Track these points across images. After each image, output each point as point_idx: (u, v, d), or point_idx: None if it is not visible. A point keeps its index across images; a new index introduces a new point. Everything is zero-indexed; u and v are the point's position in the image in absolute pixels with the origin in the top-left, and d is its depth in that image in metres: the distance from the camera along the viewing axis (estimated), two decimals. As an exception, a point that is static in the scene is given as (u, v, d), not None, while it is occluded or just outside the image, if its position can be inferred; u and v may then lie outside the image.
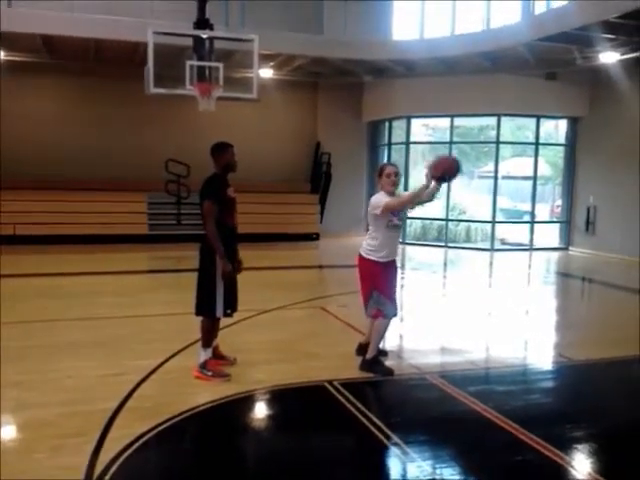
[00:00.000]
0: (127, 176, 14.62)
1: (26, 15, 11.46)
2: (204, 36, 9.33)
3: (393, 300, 5.43)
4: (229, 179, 5.21)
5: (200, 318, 5.17)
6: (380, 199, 5.28)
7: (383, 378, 5.32)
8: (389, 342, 6.60)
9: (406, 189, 15.74)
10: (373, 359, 5.45)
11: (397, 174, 5.38)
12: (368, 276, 5.40)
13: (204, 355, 5.15)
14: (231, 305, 5.17)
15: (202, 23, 9.43)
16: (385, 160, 16.56)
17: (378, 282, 5.36)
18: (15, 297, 8.19)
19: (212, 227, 4.97)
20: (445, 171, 5.15)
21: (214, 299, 5.03)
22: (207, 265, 5.06)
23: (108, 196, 14.04)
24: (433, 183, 5.15)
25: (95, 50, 13.26)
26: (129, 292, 9.04)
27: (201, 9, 9.49)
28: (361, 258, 5.44)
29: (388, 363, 5.68)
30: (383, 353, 5.86)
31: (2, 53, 12.98)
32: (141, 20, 11.06)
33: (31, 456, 3.75)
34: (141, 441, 3.92)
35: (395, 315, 5.48)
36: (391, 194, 5.32)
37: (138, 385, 4.91)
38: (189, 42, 9.49)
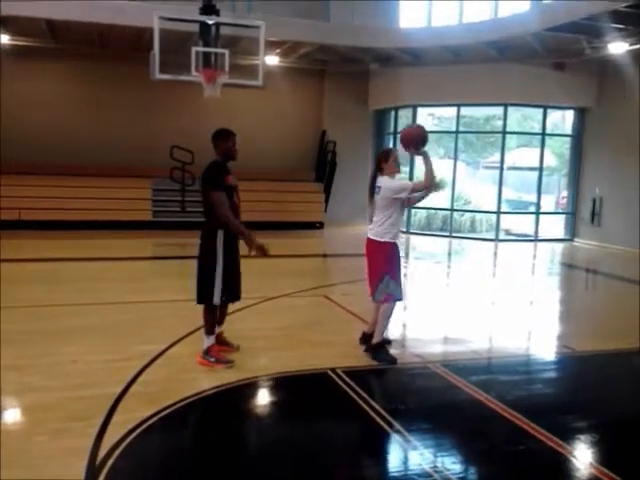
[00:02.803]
0: (132, 162, 14.61)
1: (31, -1, 11.41)
2: (210, 22, 9.28)
3: (400, 283, 5.47)
4: (231, 167, 5.20)
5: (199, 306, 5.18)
6: (403, 183, 5.48)
7: (386, 366, 5.33)
8: (392, 331, 6.61)
9: (411, 178, 15.72)
10: (378, 345, 5.45)
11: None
12: (382, 259, 5.40)
13: (207, 342, 5.17)
14: (230, 293, 5.16)
15: (208, 9, 9.37)
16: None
17: (391, 265, 5.40)
18: (19, 282, 8.21)
19: (226, 213, 4.94)
20: (417, 139, 5.31)
21: (212, 287, 5.02)
22: (206, 253, 5.06)
23: (112, 182, 14.03)
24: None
25: (100, 35, 13.21)
26: (133, 278, 9.06)
27: (207, -5, 9.44)
28: (374, 242, 5.44)
29: (391, 351, 5.69)
30: (387, 341, 5.87)
31: (7, 37, 12.93)
32: (147, 5, 10.99)
33: (33, 439, 3.77)
34: (145, 426, 3.94)
35: (401, 299, 5.51)
36: (394, 178, 5.47)
37: (142, 370, 4.93)
38: (195, 28, 9.44)
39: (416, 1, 15.32)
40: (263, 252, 5.01)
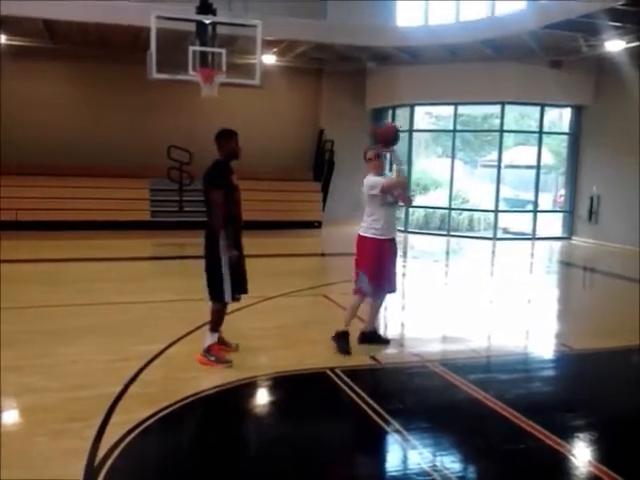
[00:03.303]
0: (129, 162, 14.59)
1: (28, -1, 11.40)
2: (207, 21, 9.28)
3: (379, 280, 5.53)
4: (234, 166, 5.21)
5: (209, 303, 5.19)
6: (376, 179, 5.51)
7: (385, 365, 5.33)
8: (391, 330, 6.62)
9: (409, 177, 15.72)
10: (339, 333, 5.58)
11: (378, 156, 5.63)
12: (362, 254, 5.58)
13: (211, 338, 5.17)
14: (240, 289, 5.19)
15: (205, 8, 9.37)
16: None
17: (368, 262, 5.53)
18: (17, 283, 8.20)
19: (218, 219, 4.98)
20: (387, 136, 5.52)
21: (222, 284, 5.04)
22: (212, 251, 5.07)
23: (110, 182, 14.00)
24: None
25: (97, 35, 13.17)
26: (132, 278, 9.05)
27: (204, -6, 9.43)
28: (359, 236, 5.63)
29: (390, 351, 5.72)
30: (385, 341, 5.89)
31: (3, 37, 12.91)
32: (144, 4, 10.98)
33: (32, 439, 3.77)
34: (143, 426, 3.94)
35: (374, 298, 5.64)
36: (379, 174, 5.58)
37: (141, 370, 4.93)
38: (192, 27, 9.44)
39: (413, 0, 15.31)
40: (234, 262, 5.06)
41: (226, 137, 5.16)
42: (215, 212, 4.99)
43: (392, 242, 5.64)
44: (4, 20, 11.69)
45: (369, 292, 5.59)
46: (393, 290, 5.84)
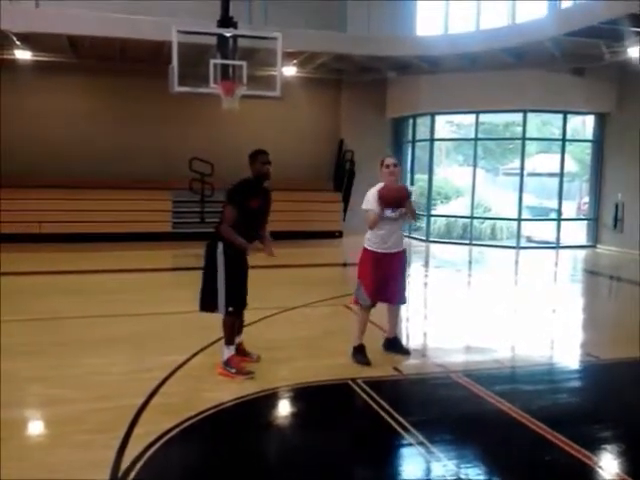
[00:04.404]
0: (152, 174, 14.73)
1: (52, 15, 11.60)
2: (228, 34, 9.34)
3: (372, 291, 5.52)
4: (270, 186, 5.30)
5: (221, 316, 5.20)
6: (369, 199, 5.49)
7: (407, 376, 5.29)
8: (413, 341, 6.57)
9: (430, 186, 15.68)
10: (356, 347, 5.60)
11: (395, 165, 5.56)
12: (360, 264, 5.65)
13: (227, 352, 5.19)
14: (236, 302, 5.19)
15: (226, 21, 9.44)
16: (409, 157, 16.50)
17: (364, 273, 5.57)
18: (39, 294, 8.31)
19: (226, 229, 5.05)
20: (393, 200, 5.40)
21: (216, 297, 5.10)
22: (207, 264, 5.16)
23: (133, 194, 14.14)
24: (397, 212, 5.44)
25: (120, 49, 13.37)
26: (153, 289, 9.11)
27: (225, 7, 9.51)
28: (363, 248, 5.66)
29: (412, 362, 5.68)
30: (405, 351, 5.86)
31: (29, 54, 13.17)
32: (165, 19, 11.11)
33: (56, 451, 3.79)
34: (166, 438, 3.95)
35: (370, 305, 5.63)
36: (392, 183, 5.52)
37: (163, 382, 4.95)
38: (213, 40, 9.51)
39: (433, 9, 15.31)
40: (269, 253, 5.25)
41: (252, 157, 5.22)
42: (223, 225, 5.07)
43: (394, 256, 5.58)
44: (29, 37, 11.92)
45: (363, 302, 5.61)
46: (401, 302, 5.82)
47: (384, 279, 5.55)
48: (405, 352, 5.85)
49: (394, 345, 5.85)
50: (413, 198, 5.73)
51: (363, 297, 5.60)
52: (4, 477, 3.37)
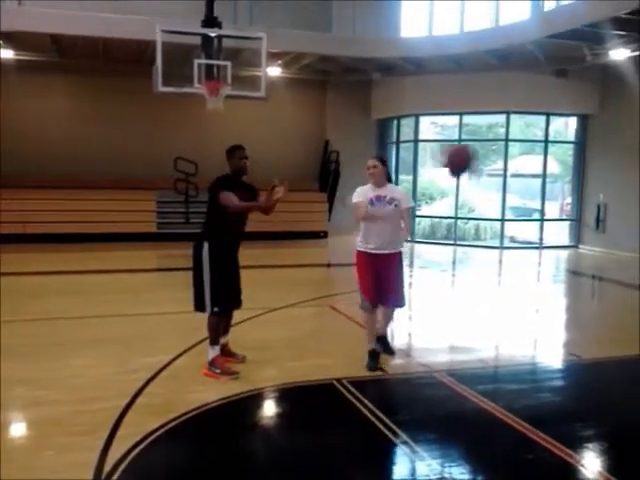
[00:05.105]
0: (136, 174, 14.65)
1: (35, 14, 11.51)
2: (212, 34, 9.33)
3: (370, 291, 5.48)
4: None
5: (206, 315, 5.19)
6: (358, 193, 5.54)
7: (392, 376, 5.30)
8: (398, 340, 6.59)
9: (414, 187, 15.75)
10: (369, 352, 5.54)
11: (374, 166, 5.58)
12: (356, 266, 5.60)
13: (212, 352, 5.17)
14: (224, 304, 5.17)
15: (210, 21, 9.43)
16: (394, 158, 16.55)
17: (358, 273, 5.55)
18: (23, 295, 8.24)
19: (235, 204, 5.03)
20: (460, 163, 5.55)
21: (203, 297, 5.09)
22: (195, 264, 5.13)
23: (117, 194, 14.07)
24: None
25: (104, 49, 13.29)
26: (138, 290, 9.07)
27: (209, 7, 9.50)
28: (356, 250, 5.63)
29: (397, 361, 5.70)
30: (390, 351, 5.85)
31: (11, 52, 13.04)
32: (149, 18, 11.07)
33: (40, 453, 3.76)
34: (150, 438, 3.93)
35: (369, 307, 5.55)
36: (376, 184, 5.52)
37: (147, 383, 4.92)
38: (197, 40, 9.49)
39: (417, 11, 15.38)
40: (279, 198, 5.50)
41: (229, 152, 5.23)
42: (231, 207, 5.02)
43: (388, 257, 5.48)
44: (12, 35, 11.81)
45: (363, 304, 5.59)
46: (397, 305, 5.74)
47: (378, 280, 5.47)
48: (390, 352, 5.85)
49: (381, 343, 5.82)
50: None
51: (362, 300, 5.55)
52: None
